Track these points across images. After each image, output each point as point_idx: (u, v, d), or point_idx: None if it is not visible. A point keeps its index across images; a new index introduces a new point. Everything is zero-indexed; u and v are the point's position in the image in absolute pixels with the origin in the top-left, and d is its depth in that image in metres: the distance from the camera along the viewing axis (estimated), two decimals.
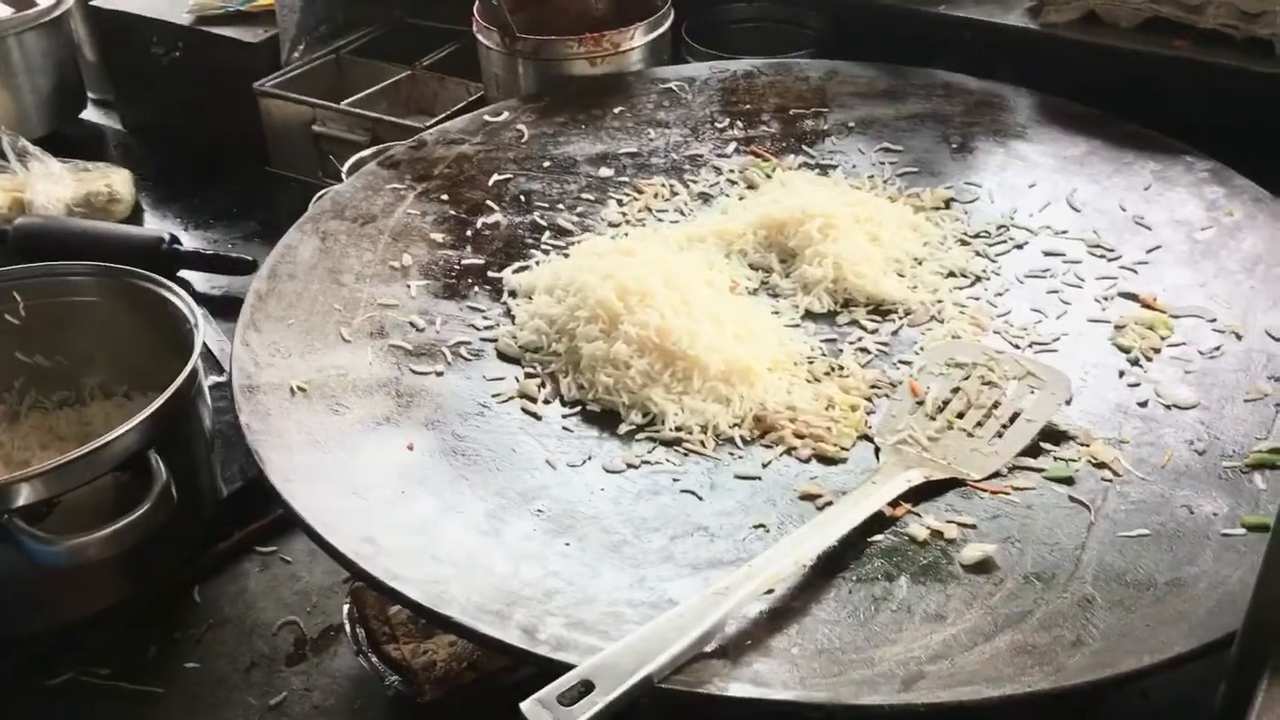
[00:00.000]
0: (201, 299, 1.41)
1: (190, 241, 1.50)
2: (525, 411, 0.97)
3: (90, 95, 1.81)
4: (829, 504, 0.86)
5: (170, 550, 1.03)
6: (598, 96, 1.36)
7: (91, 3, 1.73)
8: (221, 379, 1.26)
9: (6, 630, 0.99)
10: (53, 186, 1.51)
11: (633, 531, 0.84)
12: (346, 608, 0.99)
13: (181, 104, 1.70)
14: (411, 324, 1.05)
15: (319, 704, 0.95)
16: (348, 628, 0.97)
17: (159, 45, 1.67)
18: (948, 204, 1.20)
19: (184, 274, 1.43)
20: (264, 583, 1.06)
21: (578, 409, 0.97)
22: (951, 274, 1.10)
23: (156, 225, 1.57)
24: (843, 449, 0.93)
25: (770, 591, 0.77)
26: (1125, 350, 1.00)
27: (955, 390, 0.96)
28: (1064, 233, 1.14)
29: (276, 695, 0.96)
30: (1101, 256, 1.11)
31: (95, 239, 1.44)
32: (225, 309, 1.38)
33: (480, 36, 1.42)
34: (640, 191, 1.24)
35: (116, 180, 1.55)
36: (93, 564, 0.89)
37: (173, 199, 1.62)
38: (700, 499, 0.88)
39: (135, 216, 1.58)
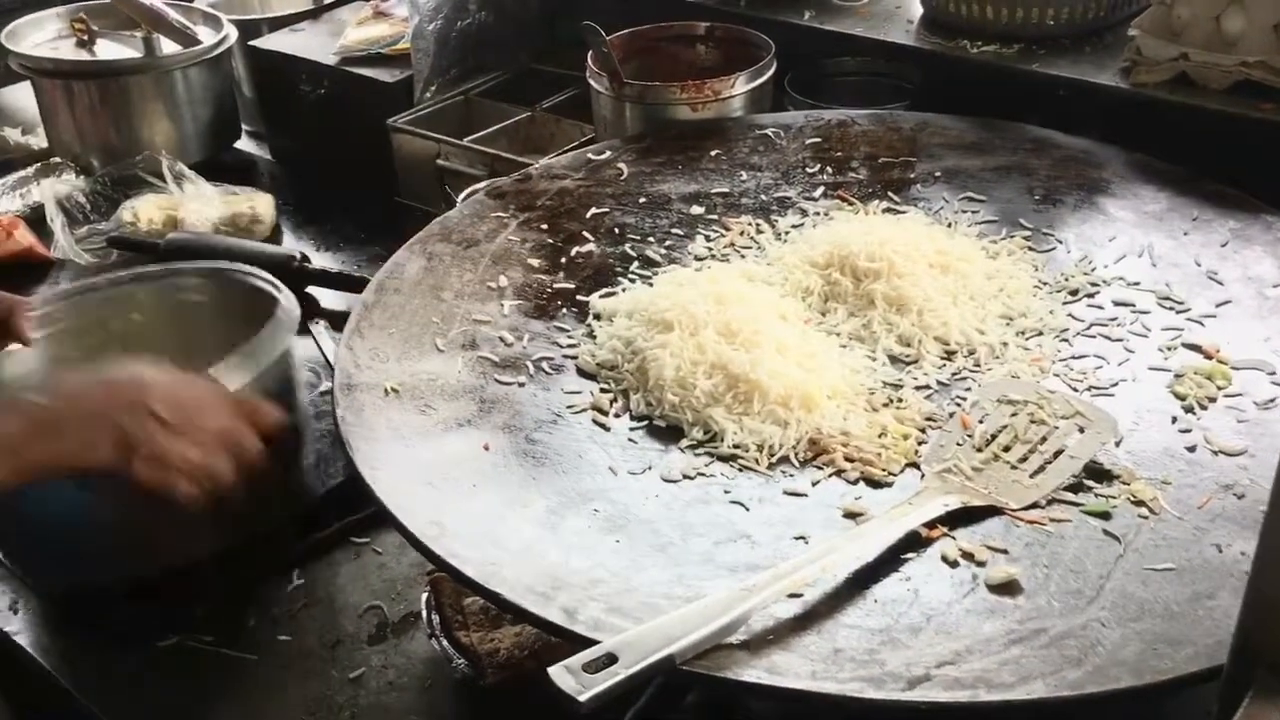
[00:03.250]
0: (325, 313, 1.54)
1: (320, 261, 1.63)
2: (595, 423, 1.05)
3: (245, 127, 1.98)
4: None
5: (262, 510, 1.09)
6: (696, 139, 1.44)
7: (250, 42, 1.89)
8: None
9: (110, 571, 1.09)
10: (203, 207, 1.66)
11: (680, 535, 0.91)
12: (425, 595, 1.07)
13: (324, 137, 1.85)
14: (501, 339, 1.14)
15: (393, 680, 1.04)
16: (424, 613, 1.06)
17: (306, 83, 1.82)
18: (1024, 252, 1.23)
19: (312, 290, 1.56)
20: (355, 570, 1.16)
21: (645, 423, 1.04)
22: (1020, 318, 1.14)
23: (293, 245, 1.70)
24: (890, 474, 0.97)
25: (799, 595, 0.82)
26: (1181, 398, 1.02)
27: (1004, 425, 0.99)
28: (1136, 284, 1.17)
29: (356, 670, 1.05)
30: (1170, 309, 1.13)
31: (235, 254, 1.58)
32: (344, 323, 1.49)
33: (592, 81, 1.52)
34: (727, 229, 1.31)
35: (260, 203, 1.70)
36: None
37: (309, 223, 1.76)
38: (747, 510, 0.94)
39: (275, 237, 1.72)
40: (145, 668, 1.06)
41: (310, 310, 1.53)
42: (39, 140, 2.00)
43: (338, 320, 1.51)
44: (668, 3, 1.72)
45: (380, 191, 1.75)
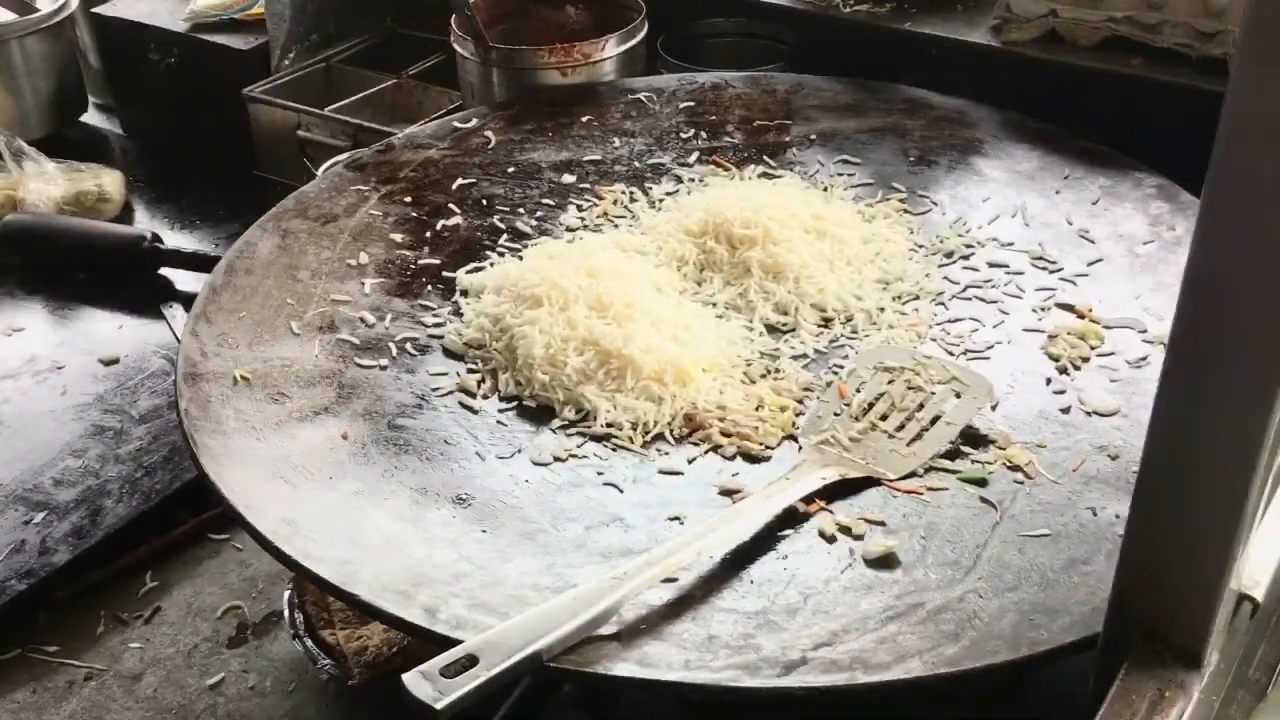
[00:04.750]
0: (180, 296, 1.45)
1: (176, 241, 1.54)
2: (463, 405, 1.00)
3: (92, 99, 1.87)
4: (744, 498, 0.88)
5: None
6: (566, 105, 1.39)
7: (94, 9, 1.78)
8: None
9: None
10: (45, 185, 1.56)
11: (550, 521, 0.87)
12: (287, 594, 1.01)
13: (176, 108, 1.75)
14: (362, 320, 1.08)
15: (255, 685, 0.98)
16: (287, 613, 1.00)
17: (156, 51, 1.72)
18: (900, 215, 1.22)
19: (165, 272, 1.48)
20: (213, 569, 1.10)
21: (514, 404, 1.00)
22: (896, 282, 1.12)
23: (145, 224, 1.61)
24: (768, 448, 0.95)
25: (674, 580, 0.79)
26: (1055, 359, 1.01)
27: (881, 393, 0.97)
28: (1010, 245, 1.16)
29: (215, 676, 0.99)
30: (1044, 269, 1.12)
31: (80, 236, 1.49)
32: None
33: (456, 46, 1.46)
34: (600, 198, 1.27)
35: (107, 181, 1.60)
36: None
37: (163, 200, 1.67)
38: (621, 492, 0.90)
39: (125, 216, 1.62)
40: None
41: (164, 293, 1.45)
42: None
43: (191, 302, 1.43)
44: None
45: (238, 165, 1.66)
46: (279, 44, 1.65)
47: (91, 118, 1.87)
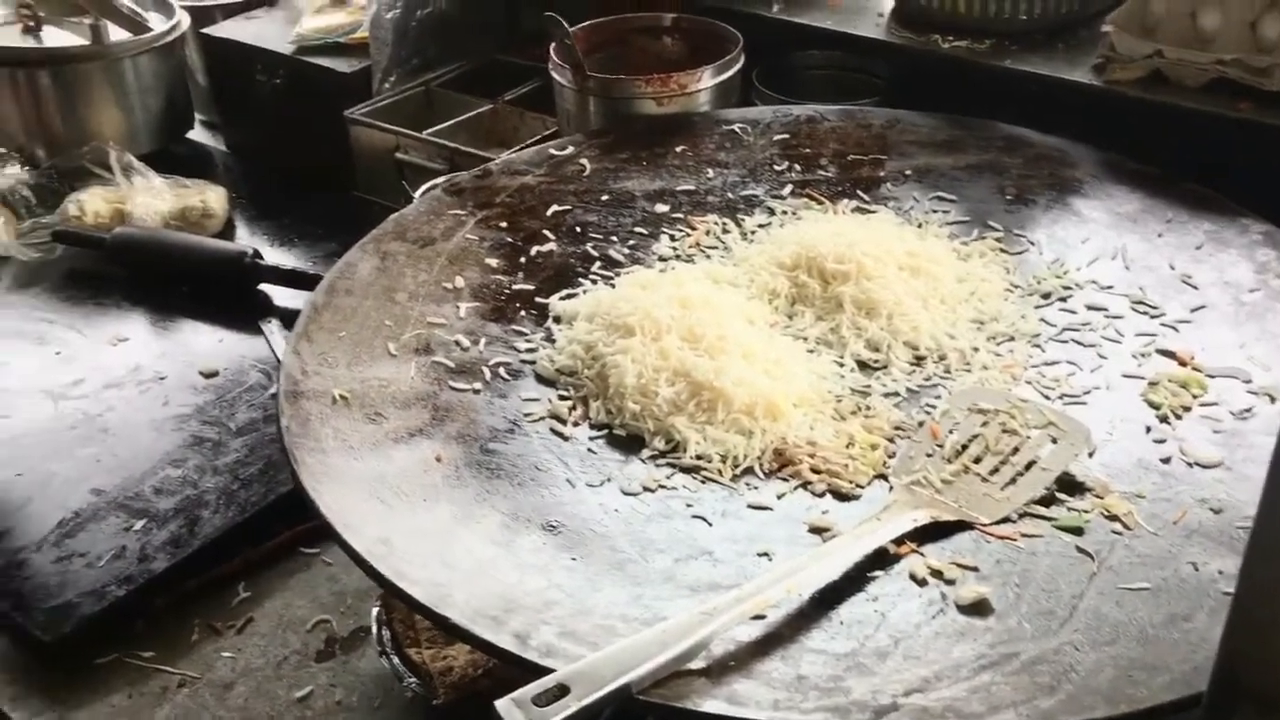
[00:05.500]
0: (278, 311, 1.49)
1: (274, 257, 1.57)
2: (554, 432, 1.01)
3: (199, 117, 1.92)
4: (834, 537, 0.88)
5: None
6: (661, 135, 1.40)
7: (203, 30, 1.84)
8: None
9: None
10: (152, 200, 1.61)
11: (639, 551, 0.87)
12: (375, 610, 1.03)
13: (280, 128, 1.79)
14: (457, 343, 1.10)
15: (342, 700, 1.00)
16: (375, 629, 1.02)
17: (262, 72, 1.76)
18: (995, 254, 1.20)
19: (264, 287, 1.51)
20: (304, 582, 1.11)
21: (605, 432, 1.01)
22: (991, 322, 1.11)
23: (246, 240, 1.65)
24: (858, 486, 0.94)
25: (762, 617, 0.79)
26: (1155, 406, 0.99)
27: (975, 435, 0.96)
28: (1109, 288, 1.14)
29: (303, 689, 1.01)
30: (1144, 313, 1.10)
31: (185, 250, 1.54)
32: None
33: (554, 74, 1.48)
34: (693, 228, 1.27)
35: (211, 197, 1.65)
36: None
37: (264, 217, 1.70)
38: (710, 525, 0.91)
39: (227, 232, 1.66)
40: (81, 686, 1.02)
41: (263, 309, 1.49)
42: None
43: (291, 319, 1.46)
44: None
45: (337, 185, 1.70)
46: (380, 67, 1.68)
47: (196, 134, 1.93)
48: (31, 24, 1.78)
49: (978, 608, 0.80)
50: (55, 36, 1.78)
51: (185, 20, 1.80)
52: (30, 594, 1.06)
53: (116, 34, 1.74)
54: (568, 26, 1.42)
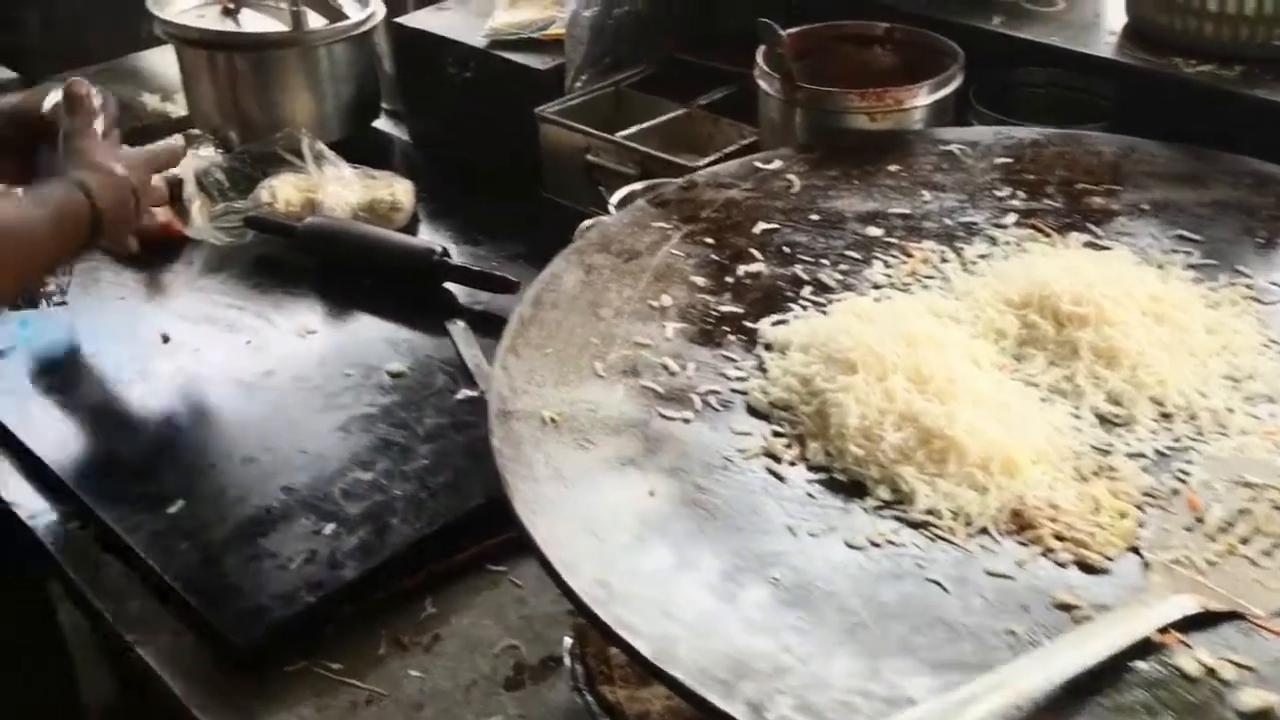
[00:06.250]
0: (462, 311, 1.46)
1: (458, 255, 1.55)
2: (769, 471, 0.95)
3: (383, 105, 1.92)
4: (1087, 618, 0.80)
5: None
6: (874, 152, 1.33)
7: (396, 19, 1.83)
8: (473, 394, 1.31)
9: None
10: (342, 190, 1.60)
11: (871, 616, 0.81)
12: (569, 642, 0.99)
13: (466, 122, 1.77)
14: (664, 366, 1.05)
15: None
16: (567, 662, 0.98)
17: (453, 65, 1.75)
18: (1248, 303, 1.10)
19: (448, 286, 1.49)
20: (492, 602, 1.08)
21: (823, 475, 0.94)
22: (1247, 380, 1.01)
23: (430, 236, 1.64)
24: (1107, 559, 0.86)
25: (1018, 709, 0.72)
26: None
27: (1242, 511, 0.87)
28: None
29: (492, 718, 0.97)
30: None
31: (375, 244, 1.53)
32: (483, 324, 1.43)
33: (761, 82, 1.42)
34: (908, 255, 1.20)
35: (399, 190, 1.63)
36: None
37: (446, 212, 1.69)
38: (945, 591, 0.84)
39: (411, 226, 1.65)
40: (269, 694, 1.00)
41: (448, 308, 1.47)
42: (176, 108, 1.97)
43: (477, 321, 1.44)
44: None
45: (523, 184, 1.67)
46: (574, 66, 1.65)
47: (379, 123, 1.92)
48: (231, 6, 1.80)
49: (1263, 716, 0.72)
50: (253, 20, 1.79)
51: (381, 9, 1.80)
52: (223, 592, 1.06)
53: (314, 20, 1.74)
54: (782, 33, 1.36)
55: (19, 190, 1.13)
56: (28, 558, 1.20)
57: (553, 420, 0.96)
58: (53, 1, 2.09)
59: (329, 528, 1.12)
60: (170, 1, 1.81)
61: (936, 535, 0.88)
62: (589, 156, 1.57)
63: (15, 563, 1.21)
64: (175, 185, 1.57)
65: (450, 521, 1.13)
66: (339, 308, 1.48)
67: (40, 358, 1.38)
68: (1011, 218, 1.24)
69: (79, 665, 1.44)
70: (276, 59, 1.72)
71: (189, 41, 1.76)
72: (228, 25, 1.78)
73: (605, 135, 1.56)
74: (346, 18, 1.75)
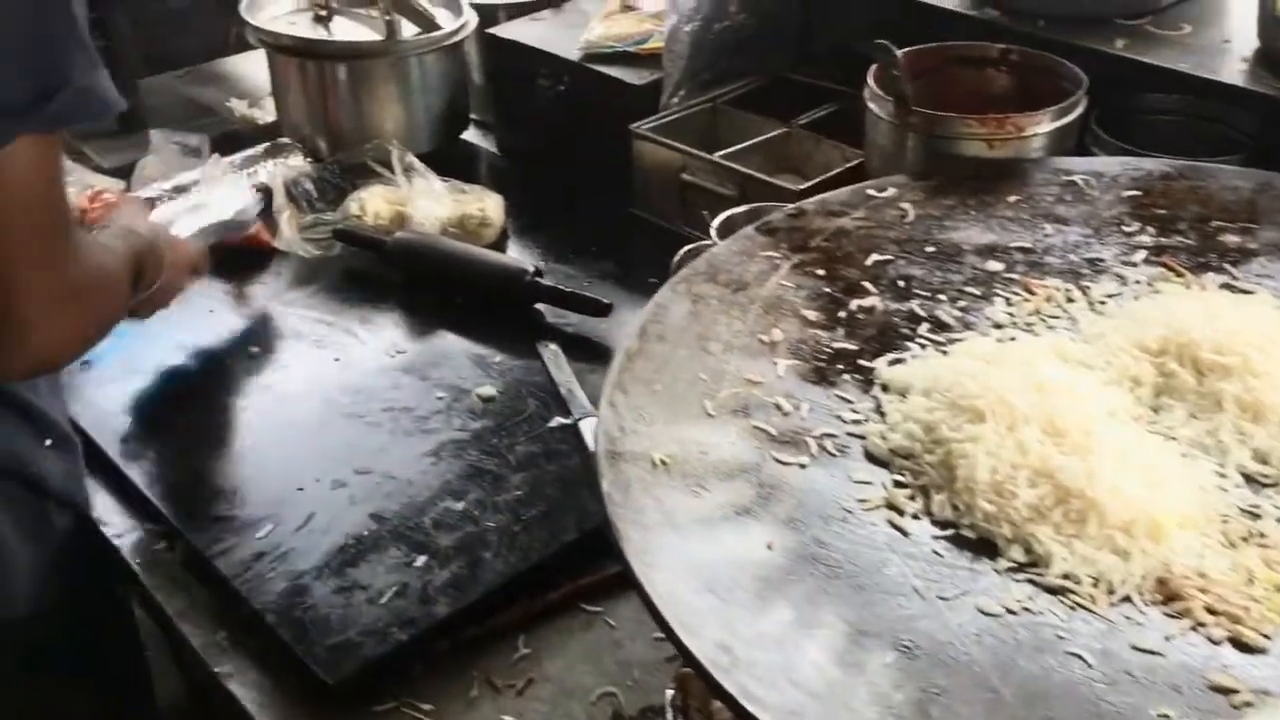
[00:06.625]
0: (553, 332, 1.42)
1: (548, 273, 1.51)
2: (892, 525, 0.89)
3: (471, 116, 1.88)
4: (1247, 704, 0.74)
5: None
6: (992, 182, 1.27)
7: (488, 30, 1.79)
8: (566, 421, 1.26)
9: None
10: (432, 204, 1.57)
11: (1012, 693, 0.75)
12: (670, 694, 0.94)
13: (557, 136, 1.73)
14: (777, 406, 1.00)
15: None
16: (669, 715, 0.93)
17: (546, 77, 1.71)
18: None
19: (538, 306, 1.45)
20: (586, 645, 1.04)
21: (950, 531, 0.89)
22: None
23: (518, 253, 1.60)
24: (1264, 636, 0.79)
25: None
26: None
27: None
28: None
29: None
30: None
31: (465, 261, 1.49)
32: (573, 347, 1.39)
33: (872, 105, 1.36)
34: (1031, 292, 1.14)
35: (489, 205, 1.60)
36: None
37: (536, 228, 1.65)
38: (1089, 666, 0.78)
39: (500, 242, 1.61)
40: None
41: (538, 329, 1.42)
42: (264, 114, 1.95)
43: (569, 343, 1.40)
44: (951, 18, 1.54)
45: (615, 202, 1.63)
46: (672, 81, 1.60)
47: (467, 134, 1.89)
48: (323, 13, 1.78)
49: None
50: (345, 28, 1.77)
51: (473, 20, 1.76)
52: (312, 626, 1.02)
53: (407, 30, 1.71)
54: (899, 55, 1.30)
55: (107, 240, 1.12)
56: (113, 577, 1.18)
57: (663, 462, 0.91)
58: (143, 4, 2.08)
59: (420, 560, 1.08)
60: (262, 7, 1.79)
61: (1076, 603, 0.82)
62: (684, 175, 1.52)
63: (101, 578, 1.19)
64: (266, 194, 1.54)
65: (544, 557, 1.09)
66: (427, 326, 1.45)
67: (127, 370, 1.36)
68: (1141, 255, 1.17)
69: (155, 677, 1.42)
70: (368, 68, 1.70)
71: (280, 48, 1.74)
72: (320, 33, 1.75)
73: (704, 154, 1.52)
74: (439, 27, 1.72)
